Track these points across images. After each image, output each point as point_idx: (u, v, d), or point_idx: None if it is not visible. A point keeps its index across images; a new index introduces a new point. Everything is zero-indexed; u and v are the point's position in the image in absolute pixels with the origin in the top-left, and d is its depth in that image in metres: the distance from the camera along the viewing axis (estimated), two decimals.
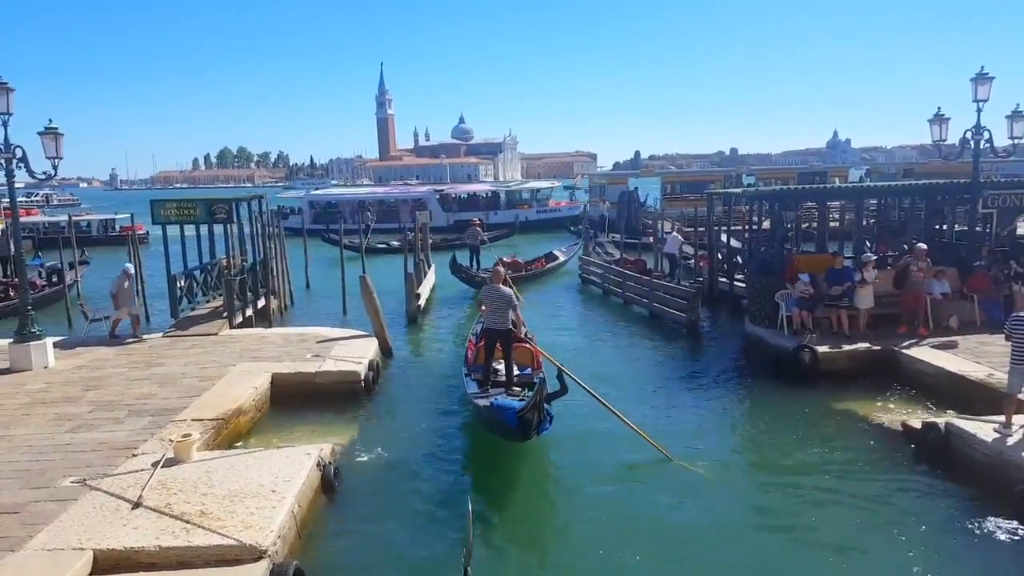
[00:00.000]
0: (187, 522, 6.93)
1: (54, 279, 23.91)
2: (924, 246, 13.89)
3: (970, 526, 7.79)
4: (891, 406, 11.24)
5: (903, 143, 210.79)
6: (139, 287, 20.66)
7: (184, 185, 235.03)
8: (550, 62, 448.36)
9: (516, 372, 10.82)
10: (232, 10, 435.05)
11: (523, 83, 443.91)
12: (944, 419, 9.56)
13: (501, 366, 10.82)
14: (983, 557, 7.31)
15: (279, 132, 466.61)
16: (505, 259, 20.79)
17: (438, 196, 50.57)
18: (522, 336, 11.60)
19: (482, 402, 9.81)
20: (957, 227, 18.34)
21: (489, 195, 52.02)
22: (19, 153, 12.49)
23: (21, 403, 11.06)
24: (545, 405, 8.90)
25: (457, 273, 23.29)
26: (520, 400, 9.50)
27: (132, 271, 15.73)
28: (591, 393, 10.17)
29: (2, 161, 12.37)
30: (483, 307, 11.00)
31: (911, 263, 13.45)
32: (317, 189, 61.38)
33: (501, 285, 10.94)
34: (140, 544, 6.56)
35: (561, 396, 9.33)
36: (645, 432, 9.92)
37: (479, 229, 27.37)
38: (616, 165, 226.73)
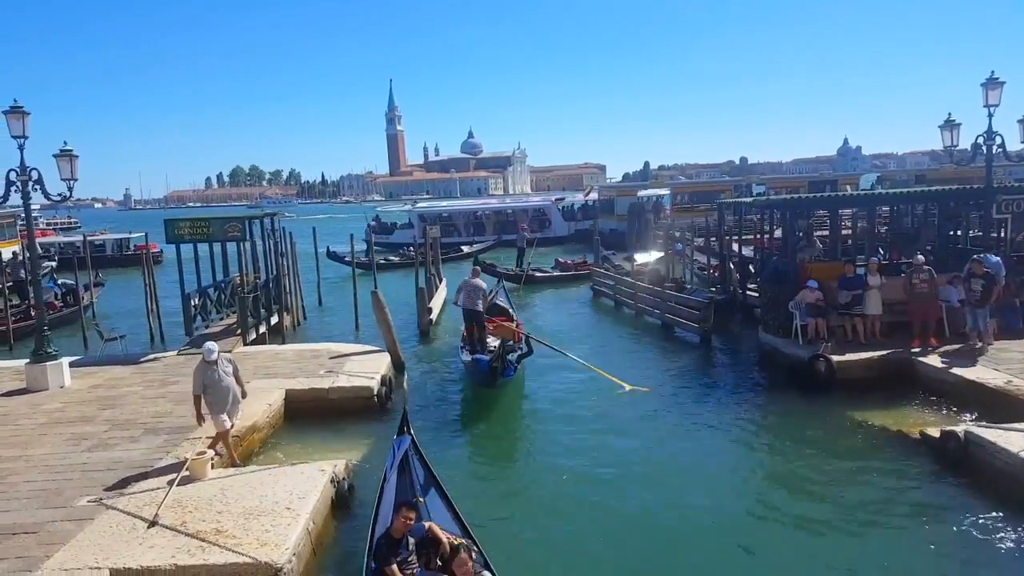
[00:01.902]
0: (203, 540, 6.94)
1: (70, 299, 24.09)
2: (922, 258, 13.57)
3: (991, 535, 7.68)
4: (909, 415, 11.14)
5: (914, 149, 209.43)
6: (154, 305, 20.86)
7: (197, 204, 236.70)
8: (558, 75, 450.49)
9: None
10: (243, 30, 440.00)
11: (531, 96, 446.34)
12: (963, 427, 9.46)
13: (495, 341, 14.44)
14: (1004, 568, 7.20)
15: (290, 150, 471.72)
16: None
17: (560, 207, 50.22)
18: (488, 318, 15.66)
19: (468, 359, 13.85)
20: (972, 233, 18.19)
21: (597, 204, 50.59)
22: (35, 176, 12.65)
23: (38, 423, 11.13)
24: (511, 359, 12.98)
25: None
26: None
27: (215, 355, 9.31)
28: (551, 347, 14.07)
29: (19, 183, 12.52)
30: (460, 294, 15.07)
31: (912, 275, 13.16)
32: (417, 203, 59.33)
33: (477, 280, 15.16)
34: (156, 563, 6.58)
35: (528, 356, 13.50)
36: (599, 367, 13.48)
37: (526, 233, 32.82)
38: (625, 176, 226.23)
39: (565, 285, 27.73)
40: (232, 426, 9.45)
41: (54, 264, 32.48)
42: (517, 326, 14.59)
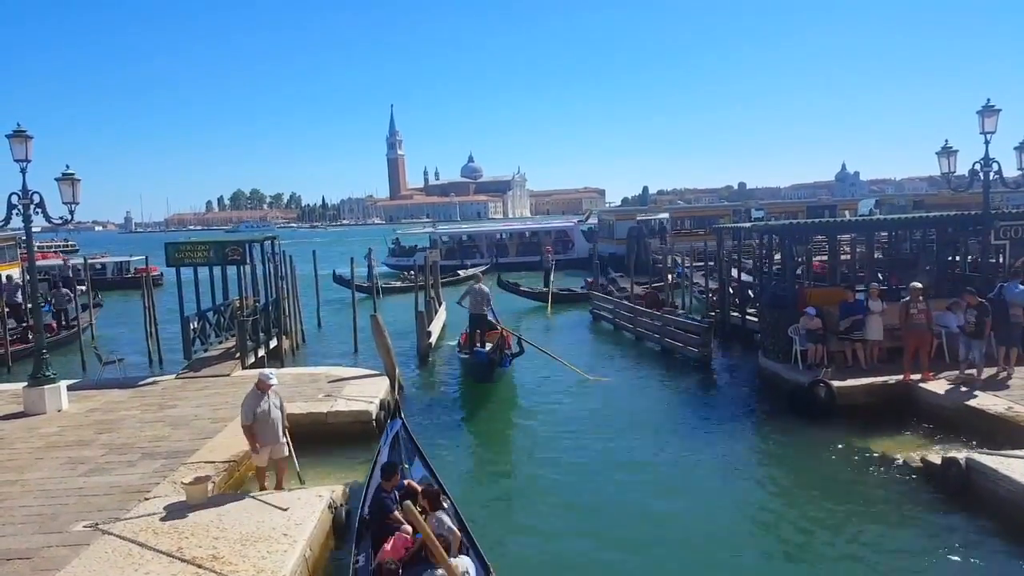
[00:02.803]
0: (199, 566, 6.88)
1: (62, 318, 24.03)
2: (919, 284, 13.06)
3: (994, 564, 7.62)
4: (910, 441, 11.09)
5: (912, 175, 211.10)
6: (153, 329, 20.84)
7: (198, 227, 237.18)
8: (558, 100, 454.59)
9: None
10: (244, 54, 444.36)
11: (531, 121, 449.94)
12: (965, 454, 9.40)
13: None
14: None
15: (291, 173, 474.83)
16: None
17: (583, 228, 50.03)
18: (494, 322, 17.77)
19: (466, 356, 16.21)
20: (970, 258, 18.22)
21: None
22: (36, 199, 12.70)
23: (35, 447, 11.07)
24: (508, 354, 15.44)
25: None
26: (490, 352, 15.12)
27: (274, 380, 9.18)
28: (535, 346, 16.83)
29: (20, 207, 12.57)
30: (467, 297, 17.21)
31: (908, 304, 12.68)
32: (438, 225, 58.01)
33: (482, 286, 17.40)
34: None
35: (519, 355, 15.85)
36: (568, 362, 16.53)
37: (550, 255, 35.00)
38: (624, 200, 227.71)
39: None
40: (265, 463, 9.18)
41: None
42: (504, 333, 16.14)
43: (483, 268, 39.93)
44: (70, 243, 59.48)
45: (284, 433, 9.21)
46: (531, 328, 22.50)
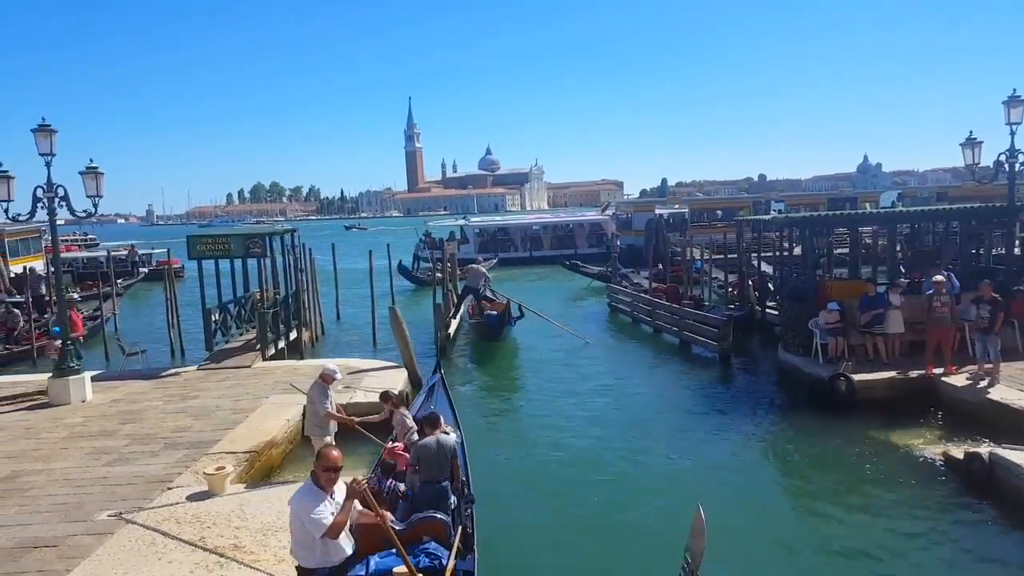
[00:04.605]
0: (221, 555, 6.97)
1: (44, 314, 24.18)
2: (941, 278, 12.98)
3: (1016, 558, 7.54)
4: (931, 436, 10.99)
5: (935, 166, 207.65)
6: (175, 320, 21.07)
7: (222, 217, 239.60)
8: (575, 92, 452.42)
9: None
10: (264, 48, 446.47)
11: (549, 113, 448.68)
12: (987, 449, 9.31)
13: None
14: None
15: (310, 167, 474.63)
16: None
17: (617, 221, 49.08)
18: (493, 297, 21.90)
19: (474, 320, 20.54)
20: (994, 251, 17.99)
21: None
22: (61, 192, 12.86)
23: (60, 436, 11.25)
24: (514, 316, 19.26)
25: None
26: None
27: (339, 374, 9.58)
28: (534, 312, 20.17)
29: (45, 200, 12.74)
30: (468, 276, 22.05)
31: (932, 297, 12.58)
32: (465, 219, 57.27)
33: (479, 267, 22.35)
34: None
35: (520, 319, 19.42)
36: (568, 327, 20.04)
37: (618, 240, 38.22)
38: (643, 193, 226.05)
39: None
40: None
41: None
42: (505, 304, 19.83)
43: (490, 264, 39.50)
44: (89, 236, 59.81)
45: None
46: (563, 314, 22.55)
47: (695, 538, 4.90)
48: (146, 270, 40.71)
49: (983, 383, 11.64)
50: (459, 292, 23.38)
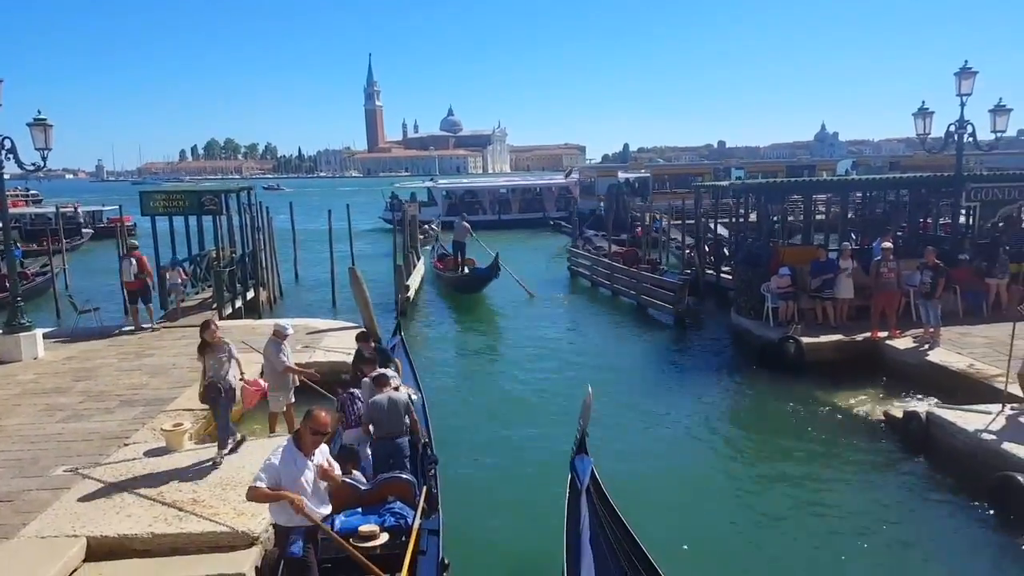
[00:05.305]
0: (180, 509, 7.01)
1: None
2: (889, 244, 13.45)
3: (949, 513, 7.99)
4: (874, 396, 11.44)
5: (890, 136, 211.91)
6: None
7: (176, 173, 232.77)
8: (539, 54, 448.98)
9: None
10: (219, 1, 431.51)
11: (512, 75, 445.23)
12: (925, 408, 9.75)
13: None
14: (960, 544, 7.49)
15: (267, 124, 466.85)
16: None
17: (582, 184, 48.53)
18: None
19: (455, 275, 22.38)
20: (941, 220, 18.55)
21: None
22: (7, 144, 12.46)
23: (12, 393, 11.07)
24: (499, 271, 20.29)
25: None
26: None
27: (290, 330, 9.61)
28: (506, 270, 20.75)
29: None
30: (456, 231, 23.91)
31: (880, 263, 12.98)
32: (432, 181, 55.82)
33: (465, 223, 24.02)
34: (133, 531, 6.64)
35: (497, 272, 20.17)
36: (523, 283, 21.34)
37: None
38: (605, 158, 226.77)
39: None
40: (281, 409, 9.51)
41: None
42: (495, 258, 20.87)
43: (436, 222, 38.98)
44: (32, 192, 57.40)
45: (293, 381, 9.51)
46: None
47: (584, 412, 6.37)
48: (90, 231, 39.92)
49: (924, 346, 12.11)
50: (448, 250, 25.25)
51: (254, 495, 5.30)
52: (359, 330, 10.75)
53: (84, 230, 39.41)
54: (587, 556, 5.33)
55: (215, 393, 8.28)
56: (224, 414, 8.37)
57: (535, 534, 7.19)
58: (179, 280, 16.80)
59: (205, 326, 8.61)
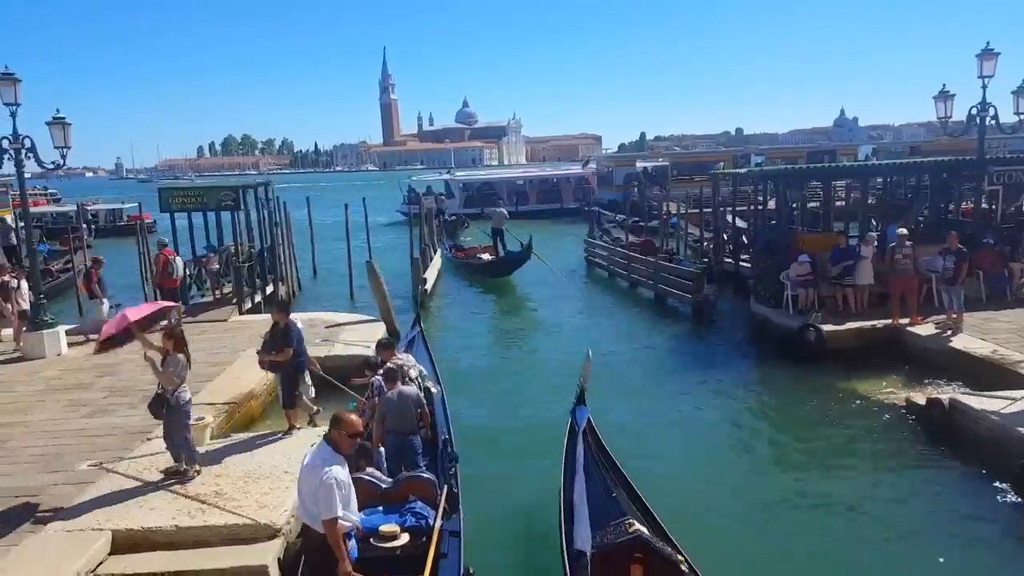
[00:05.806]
0: (203, 502, 7.09)
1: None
2: (904, 231, 13.28)
3: (972, 501, 7.90)
4: (896, 383, 11.31)
5: (910, 121, 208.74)
6: (148, 275, 20.81)
7: (194, 174, 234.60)
8: (554, 45, 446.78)
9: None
10: None
11: (527, 66, 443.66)
12: (948, 395, 9.63)
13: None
14: (983, 532, 7.40)
15: (283, 119, 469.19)
16: None
17: (600, 174, 48.31)
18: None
19: (488, 258, 23.95)
20: (964, 204, 18.29)
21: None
22: (28, 143, 12.60)
23: (37, 389, 11.24)
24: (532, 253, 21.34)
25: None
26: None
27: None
28: (537, 256, 21.51)
29: (11, 151, 12.48)
30: (495, 218, 25.52)
31: (895, 249, 12.85)
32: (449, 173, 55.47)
33: (502, 210, 26.58)
34: (157, 524, 6.73)
35: (529, 254, 21.34)
36: (553, 268, 21.64)
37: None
38: (621, 147, 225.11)
39: None
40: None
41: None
42: (528, 241, 21.76)
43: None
44: (50, 191, 57.75)
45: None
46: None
47: (585, 372, 7.40)
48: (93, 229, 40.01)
49: (947, 332, 11.96)
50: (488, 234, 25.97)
51: (335, 532, 5.22)
52: (382, 337, 10.48)
53: (91, 226, 39.30)
54: (580, 484, 5.96)
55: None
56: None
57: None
58: (215, 267, 17.10)
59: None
